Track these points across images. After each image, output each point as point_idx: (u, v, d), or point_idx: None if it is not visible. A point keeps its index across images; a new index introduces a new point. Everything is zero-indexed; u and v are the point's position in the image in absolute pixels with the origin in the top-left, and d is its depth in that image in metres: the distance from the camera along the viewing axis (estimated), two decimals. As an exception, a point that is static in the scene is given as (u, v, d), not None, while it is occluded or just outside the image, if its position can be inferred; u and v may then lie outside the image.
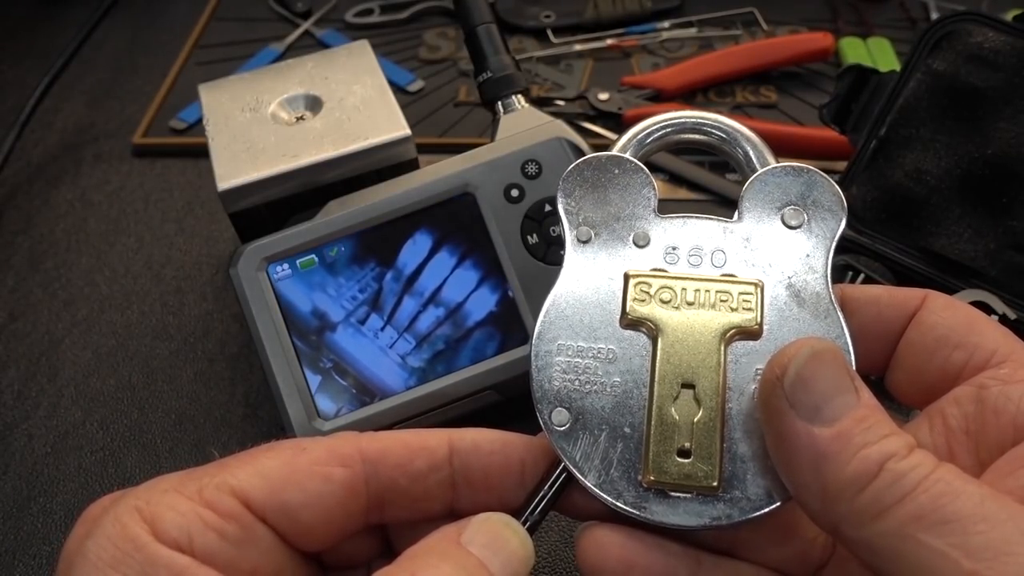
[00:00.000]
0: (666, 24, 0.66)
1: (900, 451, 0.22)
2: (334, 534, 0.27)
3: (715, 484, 0.26)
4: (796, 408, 0.24)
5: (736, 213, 0.30)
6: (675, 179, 0.55)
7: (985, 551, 0.20)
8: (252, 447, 0.27)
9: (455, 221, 0.41)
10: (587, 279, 0.29)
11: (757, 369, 0.27)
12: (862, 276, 0.45)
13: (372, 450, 0.27)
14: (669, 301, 0.28)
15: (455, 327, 0.40)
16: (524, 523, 0.27)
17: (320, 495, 0.25)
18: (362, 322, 0.40)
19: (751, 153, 0.31)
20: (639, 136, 0.32)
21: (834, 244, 0.29)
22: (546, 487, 0.27)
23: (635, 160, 0.30)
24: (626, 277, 0.29)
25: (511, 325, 0.40)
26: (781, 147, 0.54)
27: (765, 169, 0.30)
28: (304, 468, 0.26)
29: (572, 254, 0.29)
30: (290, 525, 0.25)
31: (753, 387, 0.27)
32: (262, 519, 0.25)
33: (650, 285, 0.28)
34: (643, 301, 0.28)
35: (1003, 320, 0.42)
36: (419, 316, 0.40)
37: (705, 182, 0.54)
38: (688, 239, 0.29)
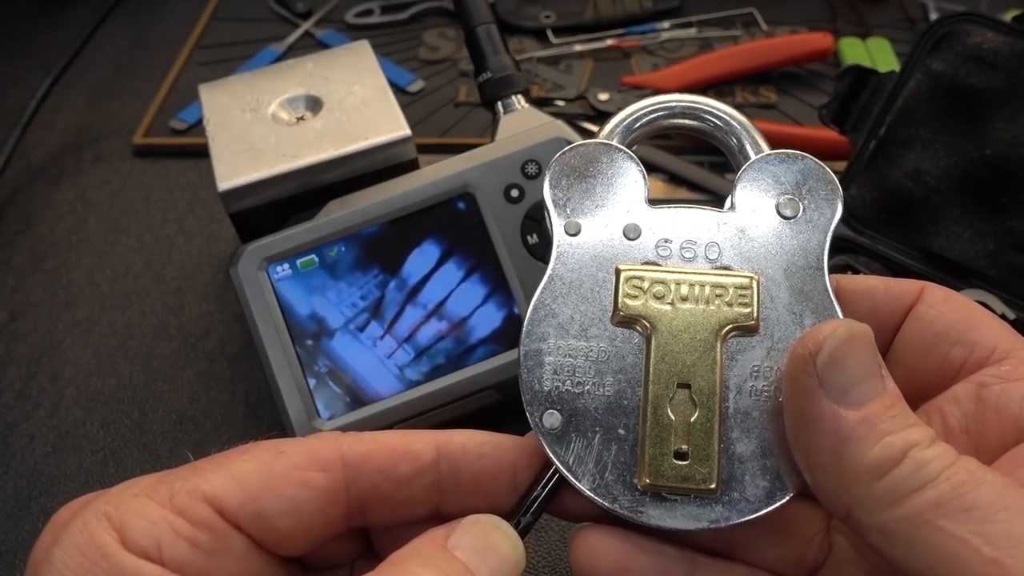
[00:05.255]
0: (666, 24, 0.66)
1: (923, 440, 0.22)
2: (313, 540, 0.26)
3: (713, 486, 0.26)
4: (825, 387, 0.23)
5: (729, 203, 0.29)
6: (674, 179, 0.55)
7: (1006, 539, 0.20)
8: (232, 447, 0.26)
9: (455, 221, 0.41)
10: (576, 274, 0.28)
11: (754, 366, 0.27)
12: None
13: (354, 453, 0.26)
14: (663, 297, 0.27)
15: (455, 326, 0.40)
16: (516, 525, 0.26)
17: (298, 501, 0.25)
18: (362, 328, 0.40)
19: (744, 140, 0.30)
20: (627, 121, 0.31)
21: (830, 234, 0.28)
22: (539, 488, 0.27)
23: (624, 148, 0.29)
24: (617, 272, 0.28)
25: (511, 325, 0.40)
26: (780, 147, 0.54)
27: (758, 157, 0.29)
28: (281, 473, 0.25)
29: (560, 248, 0.28)
30: (266, 532, 0.24)
31: (751, 384, 0.26)
32: (236, 526, 0.24)
33: (643, 280, 0.27)
34: (635, 297, 0.27)
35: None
36: (417, 317, 0.40)
37: (704, 182, 0.54)
38: (681, 231, 0.28)
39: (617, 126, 0.31)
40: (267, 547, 0.25)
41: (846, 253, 0.46)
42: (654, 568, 0.26)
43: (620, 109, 0.60)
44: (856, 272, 0.45)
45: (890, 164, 0.45)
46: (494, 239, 0.41)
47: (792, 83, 0.62)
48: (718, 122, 0.31)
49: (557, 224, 0.29)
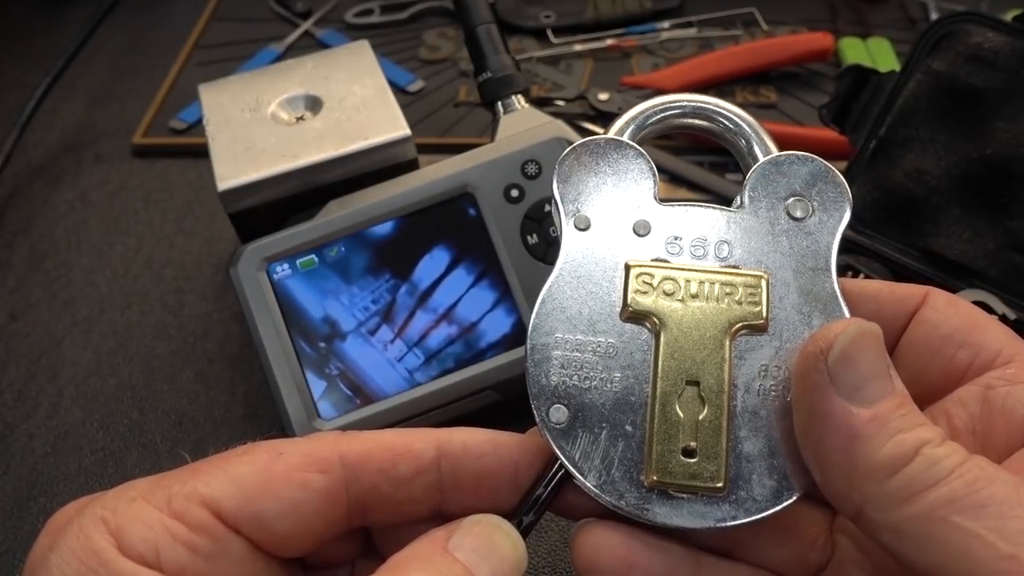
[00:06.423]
0: (666, 24, 0.66)
1: (935, 439, 0.22)
2: (313, 541, 0.26)
3: (721, 485, 0.26)
4: (836, 385, 0.23)
5: (739, 202, 0.29)
6: (675, 179, 0.55)
7: (1022, 535, 0.20)
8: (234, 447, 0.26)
9: (455, 222, 0.41)
10: (585, 269, 0.28)
11: (763, 365, 0.27)
12: (861, 276, 0.45)
13: (353, 454, 0.25)
14: (672, 293, 0.27)
15: (454, 327, 0.40)
16: (518, 525, 0.26)
17: (296, 503, 0.24)
18: (371, 331, 0.40)
19: (753, 141, 0.30)
20: (638, 119, 0.31)
21: (839, 236, 0.28)
22: (542, 487, 0.26)
23: (635, 144, 0.29)
24: (627, 267, 0.28)
25: (511, 325, 0.40)
26: (781, 147, 0.54)
27: (769, 158, 0.29)
28: (280, 475, 0.24)
29: (569, 243, 0.28)
30: (265, 535, 0.24)
31: (759, 383, 0.26)
32: (235, 530, 0.24)
33: (652, 276, 0.27)
34: (645, 293, 0.27)
35: (1003, 320, 0.42)
36: (416, 317, 0.40)
37: (704, 182, 0.54)
38: (691, 229, 0.28)
39: (628, 124, 0.31)
40: (266, 549, 0.25)
41: (846, 253, 0.46)
42: (659, 566, 0.26)
43: (621, 109, 0.61)
44: (856, 272, 0.45)
45: (890, 164, 0.45)
46: (494, 239, 0.41)
47: (792, 83, 0.61)
48: (728, 123, 0.31)
49: (566, 219, 0.28)
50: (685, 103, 0.31)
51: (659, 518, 0.26)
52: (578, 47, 0.65)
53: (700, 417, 0.26)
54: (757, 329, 0.27)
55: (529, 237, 0.41)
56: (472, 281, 0.41)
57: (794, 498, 0.26)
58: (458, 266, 0.41)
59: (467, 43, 0.45)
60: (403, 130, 0.43)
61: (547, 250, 0.41)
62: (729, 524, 0.26)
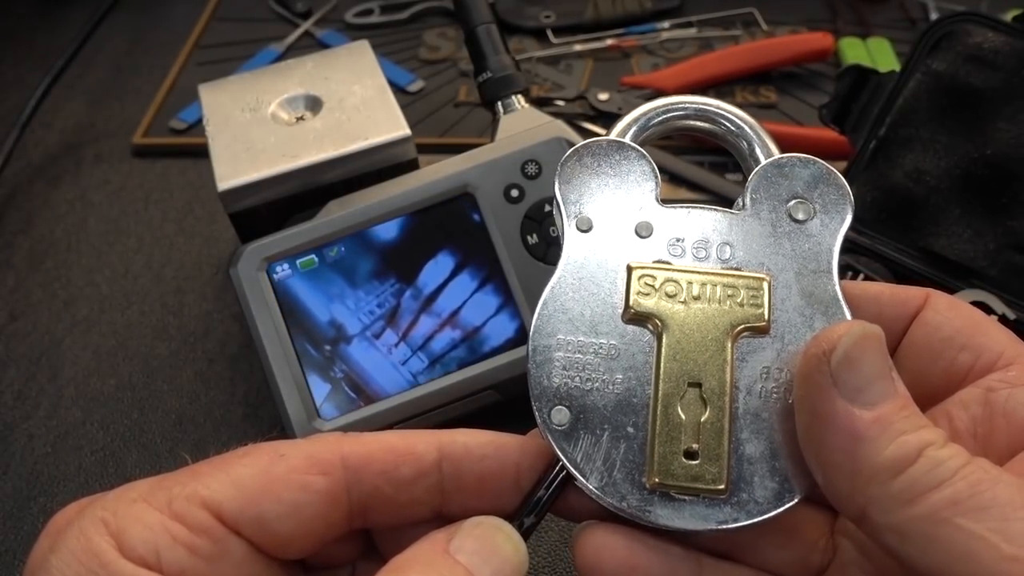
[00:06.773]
0: (666, 24, 0.66)
1: (937, 440, 0.23)
2: (314, 543, 0.26)
3: (723, 487, 0.26)
4: (839, 387, 0.23)
5: (740, 205, 0.29)
6: (675, 179, 0.55)
7: None
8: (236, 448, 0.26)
9: (455, 222, 0.41)
10: (587, 270, 0.28)
11: (764, 367, 0.27)
12: (861, 276, 0.45)
13: (355, 455, 0.25)
14: (674, 295, 0.27)
15: (453, 327, 0.40)
16: (519, 527, 0.26)
17: (297, 505, 0.24)
18: (376, 335, 0.40)
19: (755, 144, 0.30)
20: (640, 121, 0.31)
21: (840, 238, 0.28)
22: (543, 488, 0.26)
23: (637, 146, 0.29)
24: (629, 269, 0.28)
25: (511, 326, 0.40)
26: (782, 149, 0.54)
27: (771, 160, 0.29)
28: (281, 477, 0.24)
29: (571, 244, 0.28)
30: (266, 537, 0.24)
31: (761, 385, 0.26)
32: (235, 531, 0.24)
33: (654, 278, 0.27)
34: (647, 295, 0.27)
35: (1002, 320, 0.42)
36: (417, 318, 0.40)
37: (704, 182, 0.54)
38: (693, 231, 0.28)
39: (630, 125, 0.31)
40: (267, 551, 0.25)
41: (846, 253, 0.46)
42: (661, 567, 0.26)
43: (621, 109, 0.60)
44: (856, 272, 0.45)
45: (890, 164, 0.45)
46: (494, 239, 0.41)
47: (792, 83, 0.61)
48: (730, 125, 0.31)
49: (568, 220, 0.28)
50: (687, 105, 0.31)
51: (661, 520, 0.26)
52: (578, 47, 0.65)
53: (702, 419, 0.26)
54: (759, 331, 0.27)
55: (529, 237, 0.41)
56: (472, 281, 0.41)
57: (796, 500, 0.26)
58: (458, 266, 0.41)
59: (467, 43, 0.45)
60: (403, 130, 0.43)
61: (547, 250, 0.41)
62: (731, 526, 0.26)
